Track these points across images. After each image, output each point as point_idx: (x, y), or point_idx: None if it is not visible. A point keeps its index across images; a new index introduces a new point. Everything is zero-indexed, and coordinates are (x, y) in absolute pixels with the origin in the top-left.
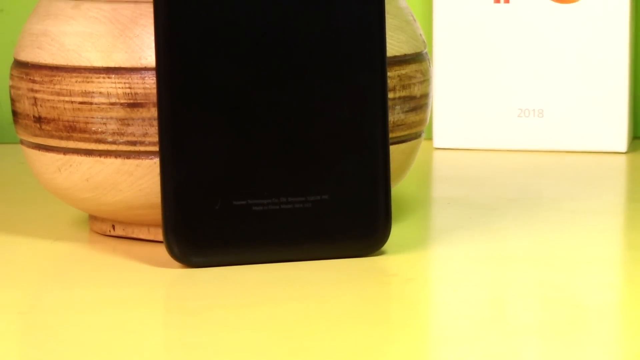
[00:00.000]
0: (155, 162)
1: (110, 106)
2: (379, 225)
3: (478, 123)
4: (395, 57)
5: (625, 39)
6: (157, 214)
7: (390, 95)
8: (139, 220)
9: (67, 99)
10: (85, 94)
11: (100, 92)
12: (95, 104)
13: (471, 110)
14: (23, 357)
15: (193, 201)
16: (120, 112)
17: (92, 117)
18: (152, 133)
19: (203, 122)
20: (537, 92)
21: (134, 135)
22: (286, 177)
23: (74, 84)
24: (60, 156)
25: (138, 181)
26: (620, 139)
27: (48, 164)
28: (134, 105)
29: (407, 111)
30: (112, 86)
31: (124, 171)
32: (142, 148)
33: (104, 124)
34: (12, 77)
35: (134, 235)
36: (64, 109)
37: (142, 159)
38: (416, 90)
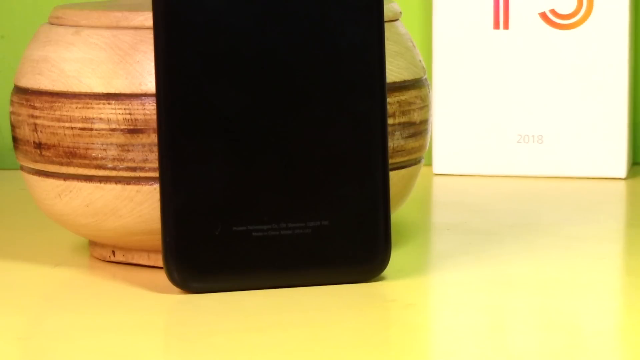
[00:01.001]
0: (156, 188)
1: (111, 132)
2: (378, 250)
3: (477, 149)
4: (394, 83)
5: (624, 65)
6: (157, 239)
7: (390, 121)
8: (139, 246)
9: (67, 125)
10: (85, 120)
11: (100, 118)
12: (96, 130)
13: (471, 136)
14: None
15: (193, 227)
16: (121, 138)
17: (92, 143)
18: (152, 159)
19: (203, 148)
20: (537, 118)
21: (134, 161)
22: (286, 202)
23: (74, 110)
24: (60, 182)
25: (138, 207)
26: (619, 165)
27: (48, 189)
28: (134, 131)
29: (406, 137)
30: (112, 112)
31: (124, 197)
32: (142, 174)
33: (104, 149)
34: (12, 103)
35: (134, 261)
36: (64, 135)
37: (142, 184)
38: (416, 116)
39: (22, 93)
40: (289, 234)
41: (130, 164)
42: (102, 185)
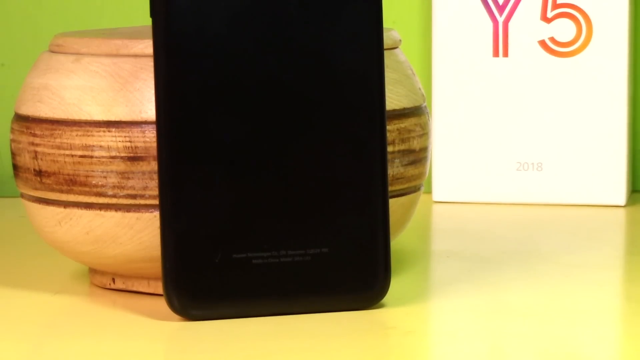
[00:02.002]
0: (156, 215)
1: (111, 160)
2: (378, 278)
3: (477, 176)
4: (394, 110)
5: (624, 93)
6: (157, 267)
7: (390, 148)
8: (139, 273)
9: (67, 152)
10: (85, 147)
11: (100, 146)
12: (96, 157)
13: (470, 164)
14: None
15: (193, 254)
16: (121, 166)
17: (93, 171)
18: (153, 186)
19: (203, 175)
20: (536, 146)
21: (134, 189)
22: (286, 230)
23: (75, 138)
24: (60, 209)
25: (138, 234)
26: (619, 192)
27: (48, 217)
28: (134, 159)
29: (406, 164)
30: (112, 140)
31: (124, 224)
32: (142, 201)
33: (105, 177)
34: (12, 130)
35: (134, 289)
36: (65, 162)
37: (142, 212)
38: (415, 144)
39: (23, 121)
40: (289, 261)
41: (130, 192)
42: (103, 212)
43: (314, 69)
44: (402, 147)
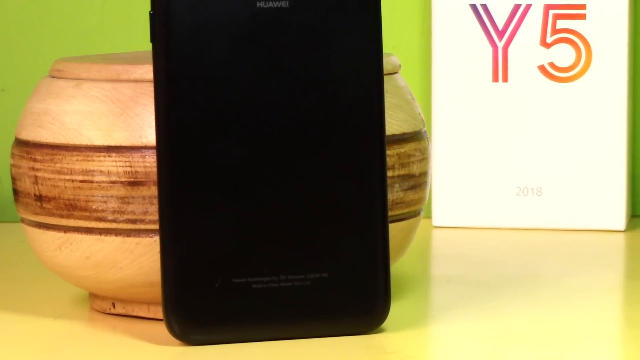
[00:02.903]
0: (156, 240)
1: (111, 184)
2: (378, 302)
3: (477, 201)
4: (394, 135)
5: (623, 118)
6: (157, 291)
7: (389, 173)
8: (139, 298)
9: (67, 177)
10: (85, 172)
11: (100, 171)
12: (96, 182)
13: (470, 189)
14: None
15: (193, 279)
16: (121, 191)
17: (93, 196)
18: (153, 211)
19: (203, 200)
20: (536, 171)
21: (135, 214)
22: (286, 254)
23: (75, 163)
24: (60, 234)
25: (138, 259)
26: (618, 217)
27: (48, 242)
28: (134, 184)
29: (406, 189)
30: (112, 165)
31: (124, 249)
32: (142, 226)
33: (105, 202)
34: (13, 155)
35: (134, 313)
36: (65, 187)
37: (142, 237)
38: (415, 169)
39: (23, 145)
40: (289, 285)
41: (130, 216)
42: (103, 237)
43: (314, 94)
44: (402, 171)
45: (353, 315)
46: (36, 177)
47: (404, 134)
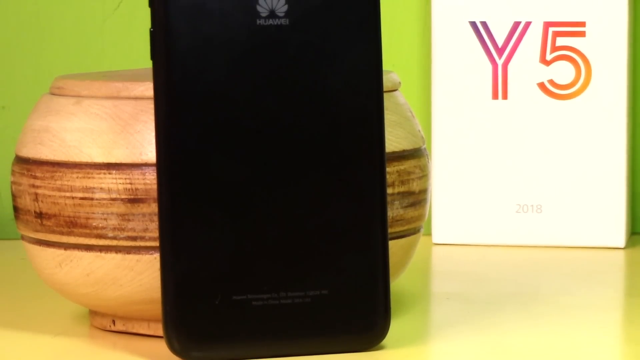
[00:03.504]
0: (156, 257)
1: (111, 202)
2: (378, 320)
3: (477, 218)
4: (394, 152)
5: (623, 135)
6: (157, 309)
7: (389, 190)
8: (139, 315)
9: (68, 194)
10: (86, 189)
11: (101, 188)
12: (96, 199)
13: (470, 206)
14: None
15: (193, 296)
16: (121, 208)
17: (93, 213)
18: (153, 228)
19: (203, 217)
20: (536, 188)
21: (135, 231)
22: (286, 271)
23: (75, 180)
24: (61, 251)
25: (138, 276)
26: (618, 234)
27: (49, 259)
28: (134, 201)
29: (406, 206)
30: (112, 182)
31: (125, 266)
32: (142, 243)
33: (105, 219)
34: (13, 173)
35: (135, 331)
36: (65, 204)
37: (142, 254)
38: (415, 186)
39: (23, 163)
40: (289, 303)
41: (130, 234)
42: (103, 254)
43: (314, 112)
44: (402, 189)
45: (353, 332)
46: (36, 194)
47: (403, 151)
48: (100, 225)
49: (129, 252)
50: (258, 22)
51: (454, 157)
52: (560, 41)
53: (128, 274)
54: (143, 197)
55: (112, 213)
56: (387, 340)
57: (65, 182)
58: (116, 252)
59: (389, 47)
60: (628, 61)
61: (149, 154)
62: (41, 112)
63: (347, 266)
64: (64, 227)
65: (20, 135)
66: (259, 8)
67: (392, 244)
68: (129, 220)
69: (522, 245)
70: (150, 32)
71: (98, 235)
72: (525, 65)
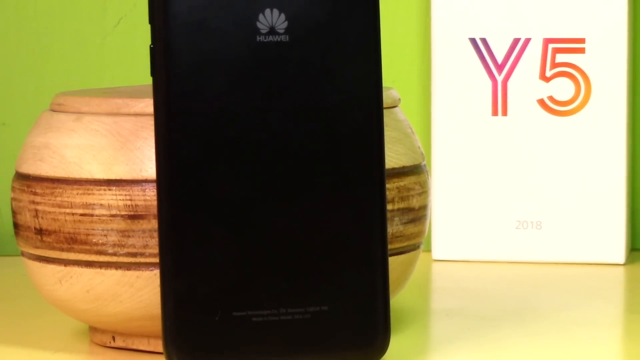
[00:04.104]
0: (156, 273)
1: (111, 218)
2: (378, 336)
3: (477, 235)
4: (393, 169)
5: (622, 151)
6: (157, 325)
7: (389, 206)
8: (139, 331)
9: (68, 210)
10: (86, 205)
11: (101, 204)
12: (96, 215)
13: (470, 222)
14: None
15: (193, 312)
16: (121, 224)
17: (93, 229)
18: (153, 244)
19: (203, 233)
20: (535, 204)
21: (135, 247)
22: (286, 288)
23: (75, 196)
24: (61, 268)
25: (138, 292)
26: (618, 250)
27: (49, 275)
28: (134, 217)
29: (405, 223)
30: (112, 198)
31: (125, 282)
32: (142, 259)
33: (105, 235)
34: (13, 189)
35: (135, 347)
36: (65, 220)
37: (142, 270)
38: (415, 202)
39: (23, 179)
40: (289, 319)
41: (130, 250)
42: (103, 270)
43: (313, 128)
44: (402, 205)
45: (353, 349)
46: (36, 210)
47: (403, 167)
48: (100, 241)
49: (129, 269)
50: (258, 38)
51: (453, 173)
52: (560, 58)
53: (128, 290)
54: (143, 213)
55: (112, 229)
56: (387, 356)
57: (66, 199)
58: (116, 269)
59: (388, 64)
60: (627, 78)
61: (149, 170)
62: (41, 129)
63: (347, 282)
64: (64, 243)
65: (21, 151)
66: (259, 25)
67: (392, 260)
68: (129, 236)
69: (522, 261)
70: (151, 48)
71: (98, 252)
72: (525, 81)
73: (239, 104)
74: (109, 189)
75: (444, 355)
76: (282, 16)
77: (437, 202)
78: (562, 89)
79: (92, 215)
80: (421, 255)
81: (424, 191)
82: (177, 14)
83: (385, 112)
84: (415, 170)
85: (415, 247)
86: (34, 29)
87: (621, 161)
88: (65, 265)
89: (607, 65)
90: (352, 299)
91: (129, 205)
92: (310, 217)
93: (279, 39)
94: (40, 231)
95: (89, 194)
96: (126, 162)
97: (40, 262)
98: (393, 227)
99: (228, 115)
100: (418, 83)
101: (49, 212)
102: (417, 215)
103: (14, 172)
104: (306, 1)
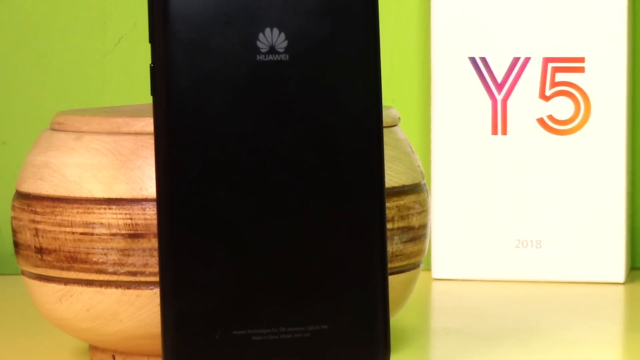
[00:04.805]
0: (156, 292)
1: (111, 237)
2: (377, 355)
3: (476, 253)
4: (393, 188)
5: (622, 170)
6: (157, 344)
7: (389, 225)
8: (139, 350)
9: (68, 229)
10: (86, 224)
11: (101, 223)
12: (96, 234)
13: (469, 241)
14: None
15: (193, 331)
16: (121, 243)
17: (93, 248)
18: (153, 263)
19: (203, 252)
20: (535, 223)
21: (135, 266)
22: (285, 307)
23: (75, 215)
24: (61, 286)
25: (138, 311)
26: (618, 269)
27: (49, 294)
28: (134, 236)
29: (405, 242)
30: (113, 217)
31: (125, 301)
32: (142, 278)
33: (105, 254)
34: (13, 208)
35: None
36: (65, 239)
37: (142, 289)
38: (414, 221)
39: (24, 198)
40: (289, 338)
41: (130, 269)
42: (103, 289)
43: (313, 147)
44: (402, 224)
45: None
46: (37, 229)
47: (403, 186)
48: (100, 260)
49: (129, 287)
50: (258, 57)
51: (453, 192)
52: (560, 77)
53: (128, 309)
54: (143, 232)
55: (112, 248)
56: None
57: (66, 218)
58: (116, 287)
59: (388, 83)
60: (627, 97)
61: (149, 189)
62: (42, 148)
63: (347, 301)
64: (64, 262)
65: (21, 170)
66: (259, 44)
67: (391, 279)
68: (129, 255)
69: (521, 280)
70: (151, 67)
71: (98, 271)
72: (525, 100)
73: (239, 123)
74: (109, 208)
75: None
76: (282, 35)
77: (437, 221)
78: (562, 107)
79: (92, 234)
80: (421, 274)
81: (423, 210)
82: (177, 33)
83: (385, 131)
84: (415, 189)
85: (415, 266)
86: (34, 48)
87: (621, 180)
88: (65, 284)
89: (606, 84)
90: (352, 317)
91: (129, 224)
92: (310, 236)
93: (278, 58)
94: (40, 250)
95: (89, 213)
96: (126, 181)
97: (40, 280)
98: (393, 246)
99: (228, 134)
100: (418, 102)
101: (49, 231)
102: (417, 234)
103: (14, 191)
104: (306, 20)
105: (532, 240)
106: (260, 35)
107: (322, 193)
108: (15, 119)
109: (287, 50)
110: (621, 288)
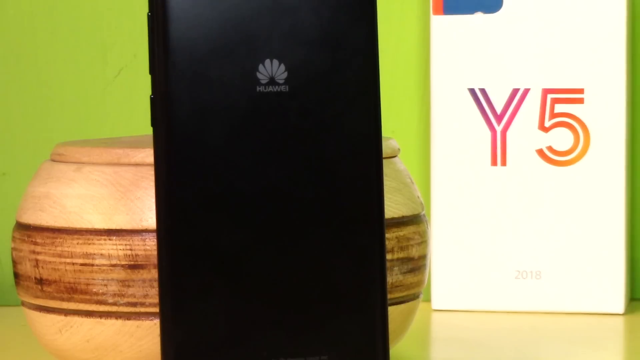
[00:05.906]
0: (156, 323)
1: (111, 268)
2: None
3: (476, 284)
4: (393, 218)
5: (622, 202)
6: None
7: (389, 256)
8: None
9: (68, 260)
10: (86, 255)
11: (101, 254)
12: (97, 265)
13: (469, 272)
14: None
15: None
16: (121, 274)
17: (93, 279)
18: (153, 294)
19: (203, 283)
20: (535, 254)
21: (135, 297)
22: (285, 337)
23: (75, 246)
24: (61, 317)
25: (138, 342)
26: (617, 300)
27: (49, 325)
28: (134, 267)
29: (405, 272)
30: (113, 248)
31: (125, 332)
32: (142, 309)
33: (105, 285)
34: (14, 239)
35: None
36: (66, 270)
37: (142, 320)
38: (414, 252)
39: (24, 229)
40: None
41: (130, 299)
42: (103, 320)
43: (313, 178)
44: (401, 255)
45: None
46: (37, 260)
47: (403, 217)
48: (100, 291)
49: (129, 318)
50: (258, 88)
51: (453, 223)
52: (559, 108)
53: (128, 340)
54: (143, 263)
55: (112, 279)
56: None
57: (66, 248)
58: (116, 318)
59: (388, 114)
60: (626, 128)
61: (149, 220)
62: (42, 179)
63: (347, 332)
64: (64, 293)
65: (21, 201)
66: (258, 75)
67: (391, 309)
68: (129, 286)
69: (521, 311)
70: (151, 98)
71: (98, 301)
72: (524, 131)
73: (239, 154)
74: (109, 239)
75: None
76: (282, 67)
77: (437, 252)
78: (561, 139)
79: (92, 265)
80: (421, 305)
81: (423, 241)
82: (177, 65)
83: (384, 162)
84: (415, 220)
85: (414, 297)
86: (34, 79)
87: (620, 211)
88: (65, 315)
89: (606, 116)
90: (352, 348)
91: (129, 255)
92: (310, 267)
93: (278, 89)
94: (40, 281)
95: (90, 244)
96: (126, 212)
97: (40, 311)
98: (392, 277)
99: (228, 165)
100: (417, 133)
101: (50, 262)
102: (417, 264)
103: (14, 222)
104: (306, 52)
105: (531, 271)
106: (260, 67)
107: (321, 224)
108: (15, 150)
109: (287, 81)
110: (621, 319)
